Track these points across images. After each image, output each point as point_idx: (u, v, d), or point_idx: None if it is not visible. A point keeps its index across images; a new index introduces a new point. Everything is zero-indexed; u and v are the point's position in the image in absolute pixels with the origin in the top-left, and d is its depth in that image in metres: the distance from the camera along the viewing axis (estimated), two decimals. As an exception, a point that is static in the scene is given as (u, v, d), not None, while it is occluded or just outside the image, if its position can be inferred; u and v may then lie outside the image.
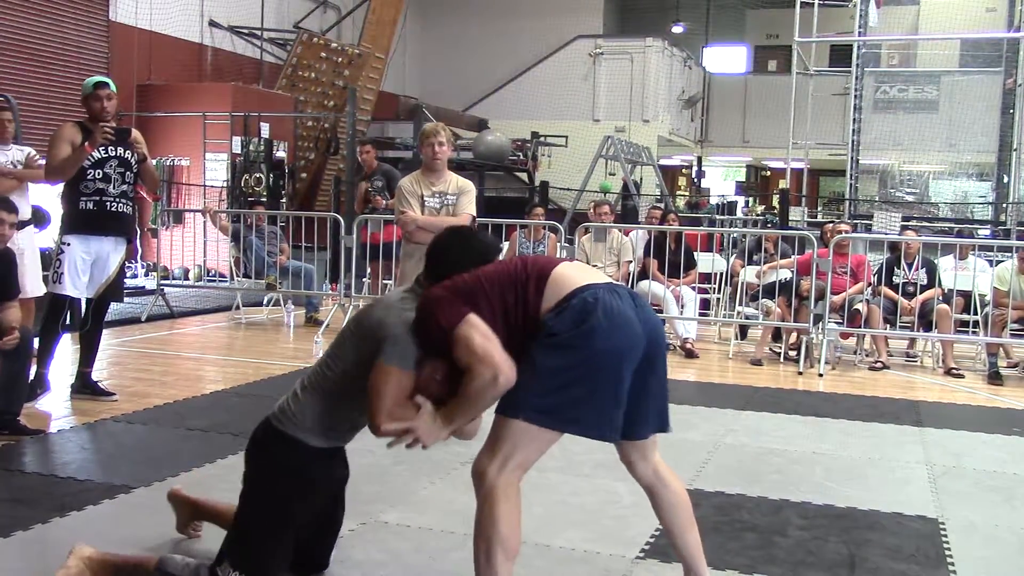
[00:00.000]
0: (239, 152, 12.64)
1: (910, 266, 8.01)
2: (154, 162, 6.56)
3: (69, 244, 5.32)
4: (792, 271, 7.84)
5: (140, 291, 10.15)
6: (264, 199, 11.63)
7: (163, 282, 9.59)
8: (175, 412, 5.29)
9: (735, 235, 10.49)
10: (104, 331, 5.85)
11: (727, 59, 23.79)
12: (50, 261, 5.63)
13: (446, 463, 4.14)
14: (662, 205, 13.98)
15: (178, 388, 5.96)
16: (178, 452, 4.49)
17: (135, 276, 11.39)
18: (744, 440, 5.11)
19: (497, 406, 2.61)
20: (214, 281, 10.37)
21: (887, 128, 16.52)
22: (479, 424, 2.83)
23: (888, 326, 7.78)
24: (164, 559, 2.84)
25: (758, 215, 18.99)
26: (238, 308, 9.57)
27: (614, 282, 2.70)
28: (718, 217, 15.51)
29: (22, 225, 5.74)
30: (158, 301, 9.19)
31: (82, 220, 5.32)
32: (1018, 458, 4.97)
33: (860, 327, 7.80)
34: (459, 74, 19.81)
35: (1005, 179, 15.09)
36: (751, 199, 24.61)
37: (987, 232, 13.53)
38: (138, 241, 11.15)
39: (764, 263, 8.68)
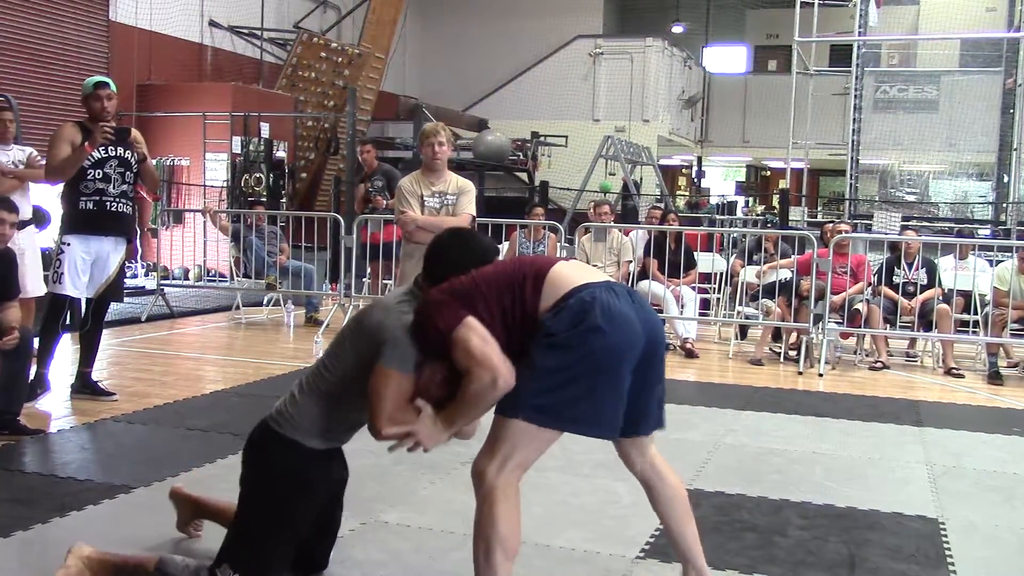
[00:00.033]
0: (239, 152, 12.64)
1: (910, 266, 8.01)
2: (154, 162, 6.56)
3: (69, 244, 5.32)
4: (792, 271, 7.84)
5: (140, 291, 10.15)
6: (264, 199, 11.63)
7: (163, 282, 9.59)
8: (175, 412, 5.29)
9: (735, 235, 10.49)
10: (104, 331, 5.85)
11: (727, 59, 23.79)
12: (50, 261, 5.63)
13: (446, 463, 4.15)
14: (662, 205, 13.98)
15: (178, 388, 5.96)
16: (178, 452, 4.49)
17: (135, 276, 11.39)
18: (744, 440, 5.11)
19: (496, 406, 2.61)
20: (214, 281, 10.37)
21: (887, 128, 16.52)
22: (477, 424, 2.83)
23: (888, 326, 7.78)
24: (164, 560, 2.84)
25: (758, 215, 18.99)
26: (238, 308, 9.57)
27: (612, 280, 2.70)
28: (718, 217, 15.51)
29: (23, 225, 5.74)
30: (158, 301, 9.19)
31: (82, 220, 5.32)
32: (1018, 458, 4.97)
33: (860, 327, 7.80)
34: (459, 74, 19.81)
35: (1005, 179, 15.09)
36: (751, 199, 24.61)
37: (987, 232, 13.53)
38: (138, 241, 11.15)
39: (764, 263, 8.68)
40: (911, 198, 16.91)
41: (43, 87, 11.36)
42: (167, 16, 13.40)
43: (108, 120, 5.29)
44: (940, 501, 4.11)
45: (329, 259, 9.85)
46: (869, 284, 8.01)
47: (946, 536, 3.66)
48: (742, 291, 8.56)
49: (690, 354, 7.97)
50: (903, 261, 8.02)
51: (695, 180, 22.03)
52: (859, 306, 7.75)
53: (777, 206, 14.23)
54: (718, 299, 9.37)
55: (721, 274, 9.19)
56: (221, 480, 3.85)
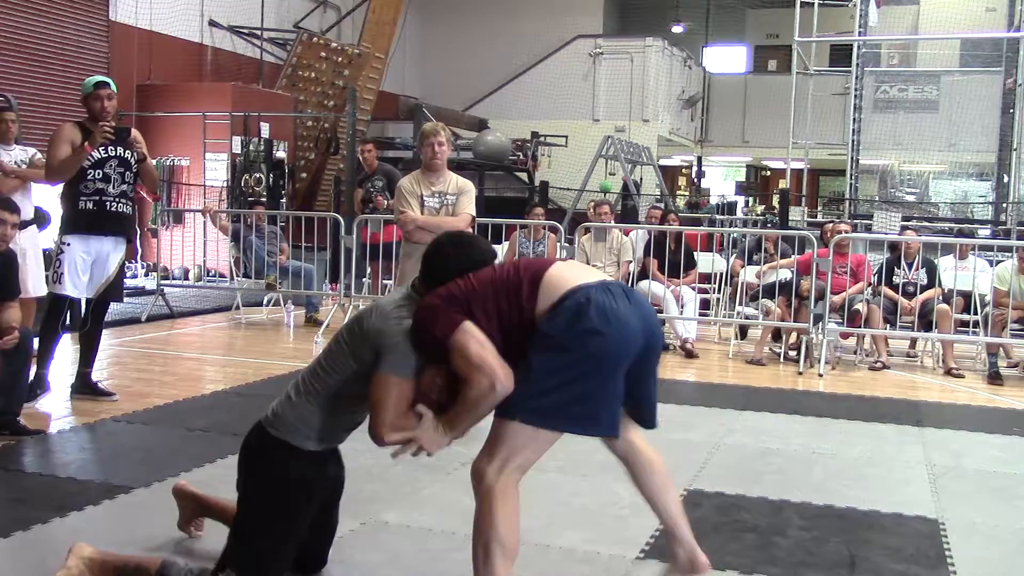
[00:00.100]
0: (239, 152, 12.63)
1: (910, 266, 8.01)
2: (154, 162, 6.55)
3: (69, 244, 5.32)
4: (792, 271, 7.84)
5: (140, 291, 10.15)
6: (264, 199, 11.61)
7: (163, 282, 9.59)
8: (175, 412, 5.30)
9: (735, 235, 10.49)
10: (104, 331, 5.85)
11: (727, 59, 23.78)
12: (50, 261, 5.63)
13: (446, 463, 4.15)
14: (662, 205, 13.98)
15: (178, 388, 5.96)
16: (178, 452, 4.49)
17: (135, 276, 11.38)
18: (744, 440, 5.11)
19: (497, 407, 2.61)
20: (214, 281, 10.37)
21: (887, 128, 16.52)
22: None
23: (888, 326, 7.78)
24: (166, 563, 2.84)
25: (758, 215, 18.99)
26: (238, 308, 9.57)
27: (608, 280, 2.71)
28: (718, 217, 15.50)
29: (25, 225, 5.74)
30: (158, 301, 9.19)
31: (82, 220, 5.32)
32: (1018, 458, 4.97)
33: (860, 327, 7.80)
34: (459, 74, 19.80)
35: (1005, 179, 15.09)
36: (751, 199, 24.61)
37: (987, 232, 13.52)
38: (138, 241, 11.15)
39: (764, 263, 8.68)
40: (911, 198, 16.92)
41: (43, 87, 11.36)
42: (167, 16, 13.39)
43: (108, 120, 5.28)
44: (940, 501, 4.11)
45: (329, 259, 9.85)
46: (869, 284, 8.01)
47: (946, 536, 3.66)
48: (742, 291, 8.56)
49: (690, 354, 7.97)
50: (903, 261, 8.03)
51: (695, 180, 22.02)
52: (859, 306, 7.75)
53: (777, 206, 14.22)
54: (718, 299, 9.37)
55: (721, 274, 9.19)
56: (222, 480, 3.85)
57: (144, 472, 4.06)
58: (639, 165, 17.27)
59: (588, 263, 8.42)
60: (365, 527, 3.51)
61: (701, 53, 23.34)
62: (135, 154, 5.40)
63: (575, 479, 4.15)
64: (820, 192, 25.48)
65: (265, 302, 9.89)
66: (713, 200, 20.33)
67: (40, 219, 6.38)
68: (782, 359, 7.93)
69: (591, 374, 2.55)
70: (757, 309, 8.22)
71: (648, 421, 2.81)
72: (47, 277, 5.67)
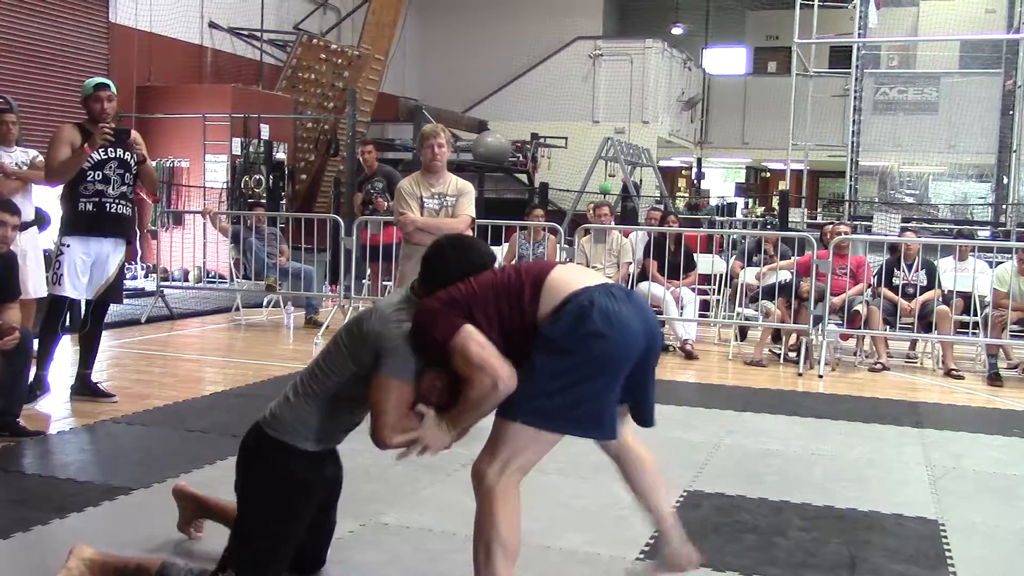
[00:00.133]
0: (239, 154, 12.64)
1: (910, 267, 8.02)
2: (154, 164, 6.55)
3: (69, 245, 5.32)
4: (792, 272, 7.84)
5: (140, 293, 10.15)
6: (264, 201, 11.63)
7: (163, 284, 9.58)
8: (175, 413, 5.29)
9: (735, 236, 10.49)
10: (104, 332, 5.84)
11: (727, 60, 23.80)
12: (50, 262, 5.63)
13: (446, 464, 4.14)
14: (662, 206, 13.98)
15: (178, 389, 5.95)
16: (178, 453, 4.49)
17: (135, 278, 11.39)
18: (744, 441, 5.11)
19: (497, 408, 2.62)
20: (214, 283, 10.37)
21: (887, 129, 16.54)
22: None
23: (888, 327, 7.78)
24: (166, 564, 2.84)
25: (758, 216, 19.00)
26: (238, 309, 9.56)
27: (609, 282, 2.73)
28: (718, 218, 15.52)
29: (26, 226, 5.74)
30: (158, 302, 9.18)
31: (82, 221, 5.32)
32: (1018, 459, 4.97)
33: (860, 328, 7.80)
34: (459, 75, 19.81)
35: (1005, 180, 15.10)
36: (751, 200, 24.62)
37: (987, 233, 13.53)
38: (138, 242, 11.16)
39: (764, 264, 8.69)
40: (911, 200, 16.93)
41: (43, 88, 11.37)
42: (167, 18, 13.40)
43: (108, 121, 5.29)
44: (940, 502, 4.11)
45: (329, 260, 9.85)
46: (869, 285, 8.01)
47: (946, 537, 3.66)
48: (742, 292, 8.56)
49: (690, 355, 7.97)
50: (903, 262, 8.03)
51: (695, 181, 22.04)
52: (859, 307, 7.75)
53: (777, 207, 14.24)
54: (718, 300, 9.37)
55: (721, 275, 9.19)
56: (221, 481, 3.84)
57: (144, 473, 4.06)
58: (639, 167, 17.28)
59: (588, 264, 8.41)
60: (365, 528, 3.51)
61: (701, 55, 23.36)
62: (135, 156, 5.40)
63: (576, 481, 4.15)
64: (820, 194, 25.50)
65: (265, 303, 9.89)
66: (713, 201, 20.36)
67: (40, 220, 6.38)
68: (782, 360, 7.93)
69: (594, 376, 2.56)
70: (757, 310, 8.23)
71: (647, 420, 2.82)
72: (47, 278, 5.67)
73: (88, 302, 5.50)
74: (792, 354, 7.91)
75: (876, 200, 16.67)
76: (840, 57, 18.95)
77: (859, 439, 5.26)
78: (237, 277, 9.54)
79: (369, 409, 2.83)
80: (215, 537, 3.08)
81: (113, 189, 5.34)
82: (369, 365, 2.69)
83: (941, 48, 17.56)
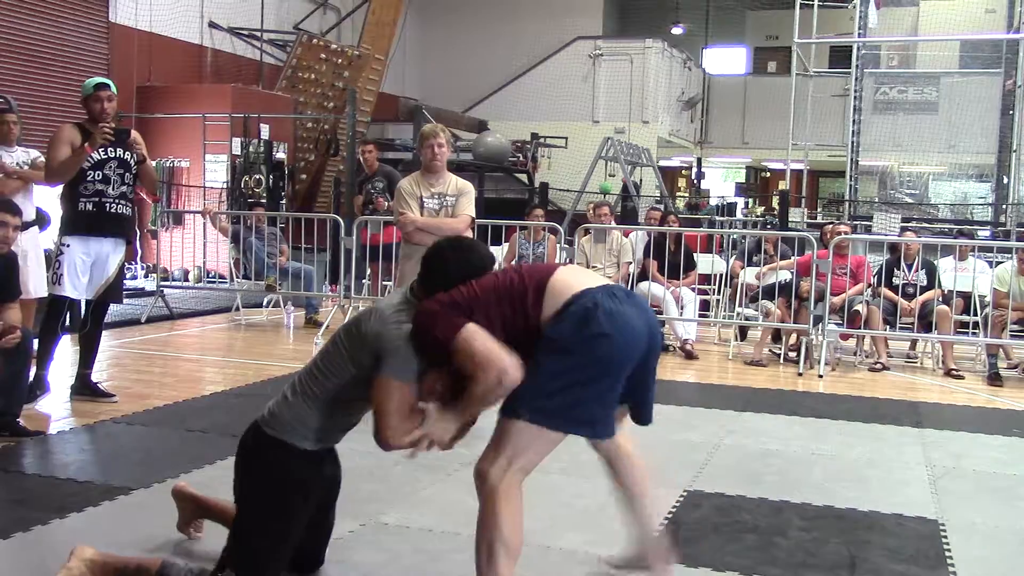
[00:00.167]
0: (239, 153, 12.64)
1: (910, 267, 8.02)
2: (154, 164, 6.55)
3: (69, 245, 5.32)
4: (792, 272, 7.84)
5: (140, 292, 10.15)
6: (264, 200, 11.63)
7: (163, 283, 9.58)
8: (175, 413, 5.29)
9: (735, 236, 10.49)
10: (104, 332, 5.84)
11: (727, 60, 23.80)
12: (50, 262, 5.63)
13: (446, 464, 4.14)
14: (662, 206, 13.98)
15: (178, 389, 5.95)
16: (178, 453, 4.49)
17: (135, 277, 11.38)
18: (744, 441, 5.11)
19: (501, 407, 2.64)
20: (214, 282, 10.37)
21: (887, 129, 16.54)
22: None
23: (888, 327, 7.78)
24: (166, 564, 2.84)
25: (758, 216, 19.00)
26: (238, 309, 9.56)
27: (611, 284, 2.75)
28: (718, 218, 15.52)
29: (27, 226, 5.74)
30: (158, 302, 9.18)
31: (81, 221, 5.32)
32: (1018, 459, 4.97)
33: (860, 328, 7.80)
34: (459, 75, 19.81)
35: (1005, 180, 15.10)
36: (751, 200, 24.62)
37: (987, 233, 13.53)
38: (138, 242, 11.16)
39: (764, 264, 8.68)
40: (911, 199, 16.93)
41: (43, 88, 11.37)
42: (167, 17, 13.40)
43: (108, 121, 5.29)
44: (940, 502, 4.11)
45: (329, 260, 9.85)
46: (869, 285, 8.01)
47: (946, 537, 3.66)
48: (742, 292, 8.56)
49: (689, 355, 7.97)
50: (903, 262, 8.03)
51: (695, 181, 22.04)
52: (859, 307, 7.75)
53: (777, 207, 14.24)
54: (718, 300, 9.37)
55: (721, 275, 9.19)
56: (221, 481, 3.84)
57: (144, 473, 4.06)
58: (639, 166, 17.27)
59: (588, 264, 8.42)
60: (364, 528, 3.50)
61: (701, 54, 23.36)
62: (135, 155, 5.40)
63: (577, 481, 4.15)
64: (820, 193, 25.49)
65: (265, 303, 9.89)
66: (713, 201, 20.36)
67: (40, 220, 6.38)
68: (782, 360, 7.93)
69: (599, 377, 2.59)
70: (757, 310, 8.23)
71: (646, 419, 2.84)
72: (47, 278, 5.66)
73: (88, 302, 5.50)
74: (792, 354, 7.91)
75: (876, 200, 16.67)
76: (840, 57, 18.95)
77: (859, 439, 5.26)
78: (237, 277, 9.54)
79: (367, 409, 2.83)
80: (215, 537, 3.08)
81: (113, 189, 5.34)
82: (369, 366, 2.69)
83: (941, 48, 17.56)
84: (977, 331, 7.94)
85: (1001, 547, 3.67)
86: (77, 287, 5.35)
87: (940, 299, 7.75)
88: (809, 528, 3.70)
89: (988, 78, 16.27)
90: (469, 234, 5.51)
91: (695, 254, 8.95)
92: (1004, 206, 14.86)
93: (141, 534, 3.34)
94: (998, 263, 8.18)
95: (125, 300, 6.64)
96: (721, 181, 27.31)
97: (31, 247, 6.01)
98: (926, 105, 17.02)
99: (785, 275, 7.99)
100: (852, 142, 15.31)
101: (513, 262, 8.56)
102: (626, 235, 8.86)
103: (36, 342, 5.07)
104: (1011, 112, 15.07)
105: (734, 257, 9.29)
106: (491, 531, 2.58)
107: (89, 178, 5.28)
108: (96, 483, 3.96)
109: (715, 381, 7.15)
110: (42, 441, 4.63)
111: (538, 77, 19.92)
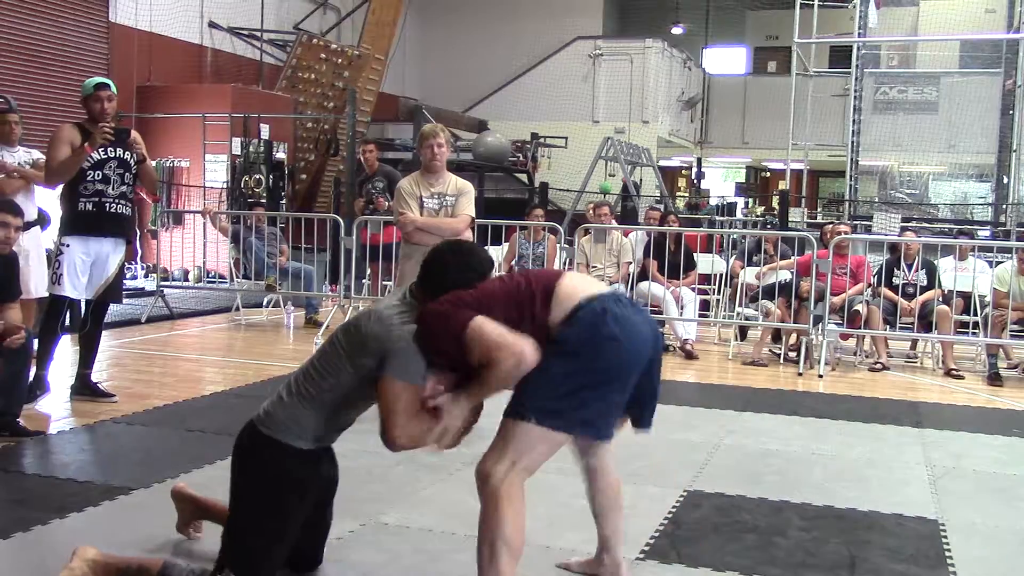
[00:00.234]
0: (239, 153, 12.64)
1: (910, 267, 8.02)
2: (154, 163, 6.55)
3: (68, 245, 5.32)
4: (792, 272, 7.84)
5: (140, 292, 10.15)
6: (264, 200, 11.63)
7: (163, 283, 9.59)
8: (175, 413, 5.30)
9: (735, 236, 10.49)
10: (104, 332, 5.84)
11: (727, 60, 23.81)
12: (50, 262, 5.63)
13: (448, 464, 4.14)
14: (661, 206, 13.99)
15: (178, 389, 5.95)
16: (178, 453, 4.49)
17: (134, 277, 11.39)
18: (744, 441, 5.11)
19: (506, 409, 2.66)
20: (214, 282, 10.37)
21: (887, 129, 16.54)
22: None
23: (888, 327, 7.78)
24: (167, 564, 2.84)
25: (758, 216, 19.00)
26: (238, 309, 9.56)
27: (616, 291, 2.79)
28: (718, 218, 15.52)
29: (28, 226, 5.74)
30: (158, 302, 9.18)
31: (81, 221, 5.32)
32: (1018, 459, 4.97)
33: (860, 328, 7.80)
34: (459, 75, 19.81)
35: (1005, 180, 15.10)
36: (751, 200, 24.62)
37: (987, 233, 13.53)
38: (138, 242, 11.16)
39: (764, 264, 8.68)
40: (911, 199, 16.92)
41: (43, 88, 11.37)
42: (167, 17, 13.40)
43: (108, 121, 5.28)
44: (940, 502, 4.11)
45: (329, 260, 9.85)
46: (869, 285, 8.01)
47: (946, 537, 3.66)
48: (742, 292, 8.56)
49: (689, 355, 7.97)
50: (903, 262, 8.03)
51: (695, 181, 22.04)
52: (859, 307, 7.75)
53: (777, 207, 14.24)
54: (718, 300, 9.37)
55: (721, 275, 9.19)
56: (221, 482, 3.83)
57: (144, 473, 4.06)
58: (639, 166, 17.27)
59: (588, 264, 8.43)
60: (364, 528, 3.50)
61: (701, 54, 23.36)
62: (135, 155, 5.40)
63: (576, 480, 4.12)
64: (820, 193, 25.49)
65: (265, 303, 9.89)
66: (713, 201, 20.36)
67: (41, 220, 6.38)
68: (782, 360, 7.93)
69: (607, 381, 2.62)
70: (757, 310, 8.22)
71: (647, 423, 2.85)
72: (48, 278, 5.67)
73: (88, 302, 5.50)
74: (792, 354, 7.91)
75: (876, 200, 16.67)
76: (840, 57, 18.94)
77: (859, 439, 5.26)
78: (237, 277, 9.54)
79: (364, 409, 2.83)
80: (215, 537, 3.08)
81: (113, 189, 5.34)
82: (369, 368, 2.69)
83: (941, 48, 17.56)
84: (977, 331, 7.94)
85: (1001, 547, 3.67)
86: (77, 287, 5.35)
87: (940, 299, 7.75)
88: (809, 528, 3.70)
89: (988, 78, 16.27)
90: (469, 234, 5.51)
91: (695, 254, 8.95)
92: (1004, 206, 14.86)
93: (141, 534, 3.34)
94: (998, 263, 8.18)
95: (125, 300, 6.64)
96: (721, 181, 27.31)
97: (33, 247, 6.01)
98: (926, 105, 17.02)
99: (785, 275, 7.99)
100: (852, 142, 15.31)
101: (513, 262, 8.57)
102: (626, 235, 8.86)
103: (36, 342, 5.07)
104: (1011, 112, 15.07)
105: (734, 257, 9.29)
106: (493, 531, 2.59)
107: (89, 178, 5.28)
108: (96, 483, 3.96)
109: (715, 381, 7.15)
110: (42, 441, 4.63)
111: (538, 77, 19.92)
